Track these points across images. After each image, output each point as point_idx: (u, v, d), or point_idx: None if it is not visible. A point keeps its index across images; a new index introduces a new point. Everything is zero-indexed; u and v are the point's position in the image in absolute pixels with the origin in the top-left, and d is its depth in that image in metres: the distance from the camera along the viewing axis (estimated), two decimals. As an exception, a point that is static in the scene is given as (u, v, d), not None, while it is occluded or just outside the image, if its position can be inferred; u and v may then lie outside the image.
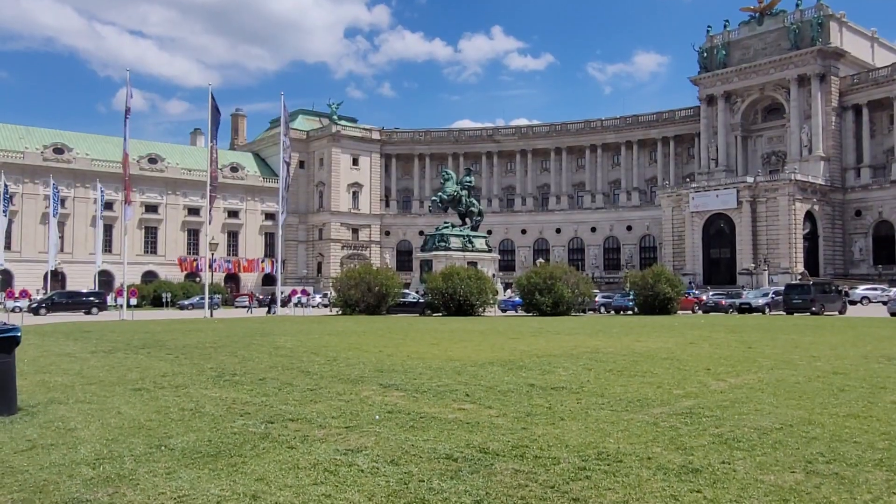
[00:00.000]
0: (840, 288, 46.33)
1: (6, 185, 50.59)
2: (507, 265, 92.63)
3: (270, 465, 6.47)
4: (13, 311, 52.19)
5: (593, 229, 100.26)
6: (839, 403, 9.50)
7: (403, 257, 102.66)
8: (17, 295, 60.60)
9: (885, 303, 51.29)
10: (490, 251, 64.21)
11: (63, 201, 73.76)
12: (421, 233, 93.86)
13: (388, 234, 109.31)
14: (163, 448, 7.26)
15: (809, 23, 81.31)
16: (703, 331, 24.41)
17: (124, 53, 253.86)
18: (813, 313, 39.07)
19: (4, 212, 49.54)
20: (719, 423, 8.23)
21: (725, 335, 22.09)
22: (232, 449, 7.18)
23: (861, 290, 55.73)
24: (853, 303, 51.16)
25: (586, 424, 8.21)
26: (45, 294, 63.00)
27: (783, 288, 45.52)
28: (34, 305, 55.64)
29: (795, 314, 39.34)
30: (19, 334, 9.52)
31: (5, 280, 64.11)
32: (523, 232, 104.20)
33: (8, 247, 69.80)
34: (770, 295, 45.76)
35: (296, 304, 61.19)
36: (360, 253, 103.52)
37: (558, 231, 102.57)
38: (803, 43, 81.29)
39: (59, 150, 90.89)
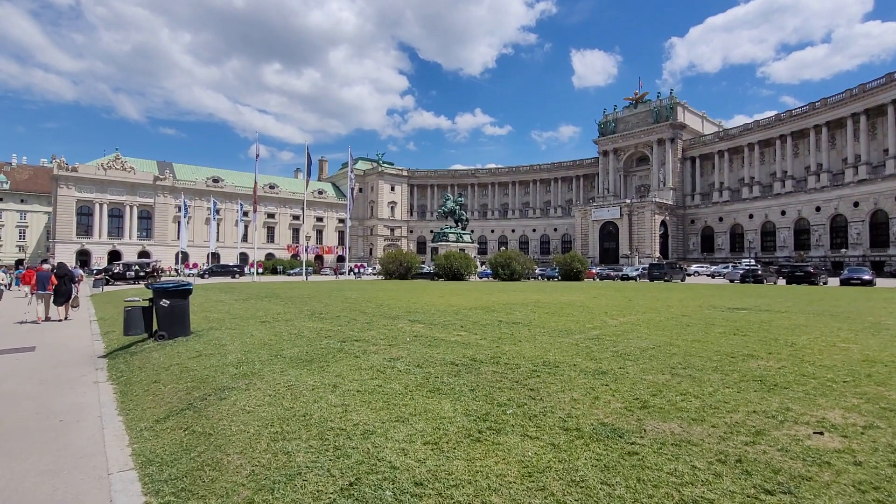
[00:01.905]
0: (682, 266, 46.03)
1: (185, 202, 49.95)
2: (482, 251, 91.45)
3: (344, 367, 6.29)
4: (189, 275, 51.99)
5: (534, 230, 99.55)
6: (687, 334, 9.25)
7: (420, 246, 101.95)
8: (191, 266, 60.52)
9: (709, 275, 51.31)
10: (473, 242, 63.74)
11: (218, 211, 72.84)
12: (431, 231, 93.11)
13: (411, 231, 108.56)
14: (278, 357, 7.06)
15: (665, 107, 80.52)
16: (600, 290, 23.99)
17: (255, 123, 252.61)
18: (665, 281, 38.82)
19: (185, 217, 48.88)
20: (615, 344, 8.02)
21: (614, 293, 21.75)
22: (320, 357, 6.99)
23: (693, 267, 55.70)
24: (689, 275, 51.06)
25: (535, 345, 8.00)
26: (207, 266, 62.74)
27: (648, 266, 45.37)
28: (200, 272, 55.34)
29: (655, 281, 39.13)
30: (192, 287, 9.33)
31: (185, 257, 63.80)
32: (492, 231, 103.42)
33: (189, 238, 69.74)
34: (639, 270, 45.51)
35: (356, 273, 60.85)
36: (395, 243, 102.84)
37: (513, 231, 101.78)
38: (661, 119, 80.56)
39: (216, 180, 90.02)
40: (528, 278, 44.15)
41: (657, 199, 75.54)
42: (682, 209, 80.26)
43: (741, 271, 37.16)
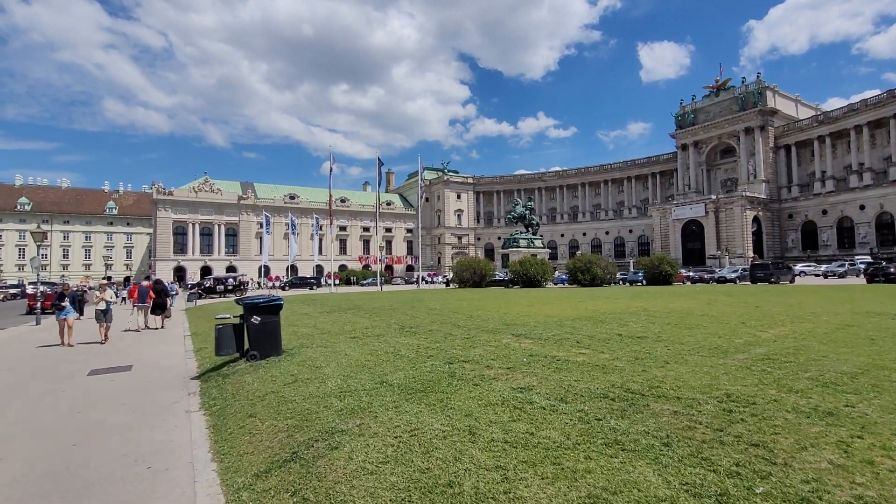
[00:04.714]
0: (789, 265, 40.54)
1: (267, 217, 52.28)
2: (552, 256, 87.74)
3: (468, 401, 4.98)
4: (272, 288, 54.20)
5: (607, 233, 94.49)
6: (884, 351, 7.06)
7: (488, 252, 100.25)
8: (273, 278, 63.41)
9: (818, 275, 45.26)
10: (544, 247, 61.18)
11: (295, 226, 76.03)
12: (499, 238, 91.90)
13: (478, 239, 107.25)
14: (384, 384, 5.91)
15: (752, 93, 73.31)
16: (707, 295, 20.83)
17: (326, 142, 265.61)
18: (771, 283, 34.21)
19: (267, 233, 51.13)
20: (803, 368, 6.11)
21: (727, 298, 18.82)
22: (433, 385, 5.76)
23: (799, 266, 48.97)
24: (796, 275, 45.20)
25: (690, 368, 6.30)
26: (287, 278, 65.32)
27: (749, 266, 40.40)
28: (281, 285, 57.58)
29: (759, 284, 34.67)
30: (282, 302, 8.59)
31: (266, 270, 66.89)
32: (561, 235, 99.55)
33: (270, 253, 73.27)
34: (739, 271, 40.71)
35: (427, 282, 60.57)
36: (463, 251, 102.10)
37: (584, 234, 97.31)
38: (748, 106, 73.42)
39: (292, 197, 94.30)
40: (610, 283, 41.14)
41: (747, 193, 68.64)
42: (778, 203, 72.39)
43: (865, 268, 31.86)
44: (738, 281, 38.33)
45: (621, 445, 3.63)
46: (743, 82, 75.34)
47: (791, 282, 35.61)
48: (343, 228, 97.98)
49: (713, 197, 71.17)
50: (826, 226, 67.46)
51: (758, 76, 74.17)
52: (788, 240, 71.53)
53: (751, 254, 66.05)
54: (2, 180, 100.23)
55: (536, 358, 7.27)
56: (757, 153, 72.75)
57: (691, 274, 45.08)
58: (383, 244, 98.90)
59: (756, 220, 69.57)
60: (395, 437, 4.00)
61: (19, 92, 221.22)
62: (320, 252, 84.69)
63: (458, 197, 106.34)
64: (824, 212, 67.66)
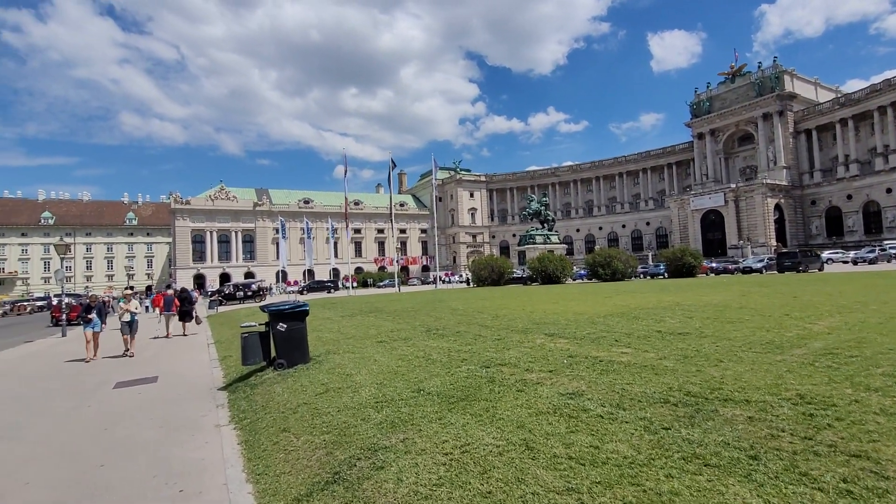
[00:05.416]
0: (817, 253, 38.93)
1: (283, 223, 52.56)
2: (568, 251, 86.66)
3: (515, 410, 4.58)
4: (290, 292, 54.42)
5: (623, 226, 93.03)
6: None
7: (503, 250, 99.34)
8: (292, 283, 63.77)
9: (846, 262, 43.63)
10: (560, 243, 60.41)
11: (310, 230, 76.29)
12: (514, 235, 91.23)
13: (493, 237, 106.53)
14: (421, 393, 5.53)
15: (769, 77, 71.33)
16: (738, 286, 19.88)
17: (337, 146, 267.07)
18: (800, 271, 32.95)
19: (284, 238, 51.37)
20: (872, 363, 5.58)
21: (760, 288, 17.96)
22: (473, 392, 5.36)
23: (826, 254, 47.04)
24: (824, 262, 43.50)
25: (748, 366, 5.80)
26: (304, 282, 65.57)
27: (776, 255, 39.05)
28: (299, 289, 57.76)
29: (786, 273, 33.43)
30: (308, 308, 8.32)
31: (284, 275, 67.09)
32: (577, 230, 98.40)
33: (287, 258, 73.60)
34: (764, 260, 39.38)
35: (444, 282, 60.14)
36: (478, 249, 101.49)
37: (600, 228, 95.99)
38: (765, 91, 71.48)
39: (307, 201, 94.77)
40: (631, 277, 40.29)
41: (768, 181, 66.82)
42: (800, 189, 70.38)
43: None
44: (764, 270, 37.04)
45: (703, 460, 3.22)
46: (759, 67, 73.43)
47: (820, 269, 34.35)
48: (358, 231, 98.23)
49: (732, 185, 69.55)
50: (851, 211, 65.36)
51: (774, 60, 72.27)
52: (812, 227, 69.51)
53: (773, 242, 64.34)
54: (25, 196, 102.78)
55: (577, 359, 6.85)
56: (776, 139, 70.83)
57: (715, 265, 43.85)
58: (398, 245, 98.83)
59: (778, 207, 67.76)
60: (446, 455, 3.65)
61: (39, 109, 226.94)
62: (336, 255, 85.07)
63: (472, 195, 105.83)
64: (849, 196, 65.57)
